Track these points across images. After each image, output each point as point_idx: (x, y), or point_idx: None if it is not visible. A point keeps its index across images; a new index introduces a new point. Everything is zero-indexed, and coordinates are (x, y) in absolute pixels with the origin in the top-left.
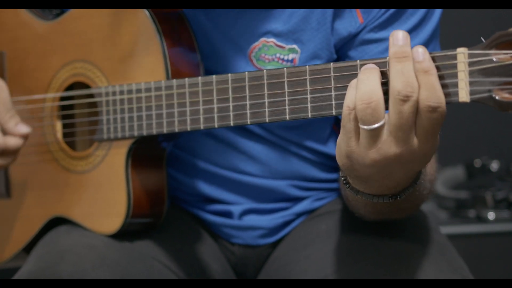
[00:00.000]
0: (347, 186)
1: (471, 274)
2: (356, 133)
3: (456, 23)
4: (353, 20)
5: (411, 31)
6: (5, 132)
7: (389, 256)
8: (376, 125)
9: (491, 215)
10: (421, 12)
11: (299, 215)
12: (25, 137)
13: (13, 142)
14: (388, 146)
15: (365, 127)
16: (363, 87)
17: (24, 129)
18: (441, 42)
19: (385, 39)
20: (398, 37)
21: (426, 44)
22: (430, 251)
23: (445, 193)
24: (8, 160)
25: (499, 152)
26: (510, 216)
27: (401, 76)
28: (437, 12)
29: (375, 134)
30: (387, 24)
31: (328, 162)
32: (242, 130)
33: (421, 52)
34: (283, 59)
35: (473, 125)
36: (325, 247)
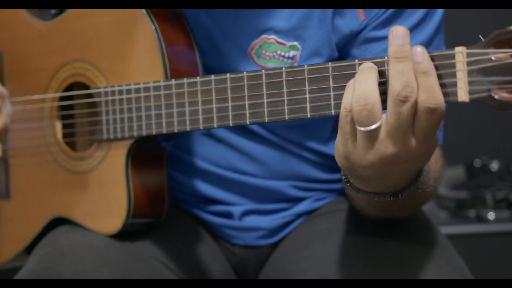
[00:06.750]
0: (348, 184)
1: (471, 274)
2: (353, 134)
3: (455, 22)
4: (354, 17)
5: (413, 29)
6: None
7: (389, 256)
8: (372, 127)
9: (491, 215)
10: (423, 9)
11: (299, 215)
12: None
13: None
14: (385, 146)
15: (362, 128)
16: (360, 89)
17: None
18: None
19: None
20: (398, 34)
21: (429, 41)
22: (430, 251)
23: (445, 193)
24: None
25: (499, 152)
26: (510, 216)
27: (401, 77)
28: (440, 9)
29: (372, 136)
30: (389, 22)
31: (329, 163)
32: (242, 130)
33: (420, 52)
34: (284, 56)
35: (473, 125)
36: (325, 247)
